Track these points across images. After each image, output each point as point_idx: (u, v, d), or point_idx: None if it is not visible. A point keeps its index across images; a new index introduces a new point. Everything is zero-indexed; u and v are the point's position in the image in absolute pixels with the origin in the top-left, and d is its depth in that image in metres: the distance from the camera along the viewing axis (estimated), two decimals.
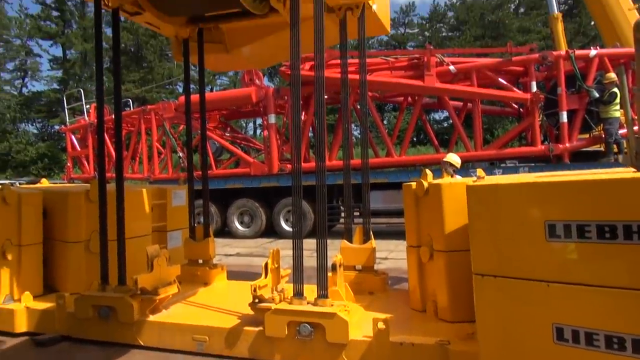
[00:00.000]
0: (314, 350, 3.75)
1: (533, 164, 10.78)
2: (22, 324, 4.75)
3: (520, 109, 11.81)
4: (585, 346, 2.61)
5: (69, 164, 15.51)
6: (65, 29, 43.28)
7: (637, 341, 2.45)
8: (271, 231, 12.48)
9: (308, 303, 3.88)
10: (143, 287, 4.34)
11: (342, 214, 11.92)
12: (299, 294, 3.92)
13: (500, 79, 10.94)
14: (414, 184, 4.37)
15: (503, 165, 11.28)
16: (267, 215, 12.44)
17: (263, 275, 4.10)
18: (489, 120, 29.40)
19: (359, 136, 14.24)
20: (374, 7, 5.31)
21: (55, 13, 43.23)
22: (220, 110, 13.56)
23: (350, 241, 5.19)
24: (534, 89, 10.41)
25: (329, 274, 4.02)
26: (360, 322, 3.91)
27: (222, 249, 10.74)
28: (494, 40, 39.37)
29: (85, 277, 5.14)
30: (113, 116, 15.25)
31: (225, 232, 12.76)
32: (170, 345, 4.22)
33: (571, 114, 10.35)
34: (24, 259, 5.05)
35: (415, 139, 32.63)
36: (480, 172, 3.42)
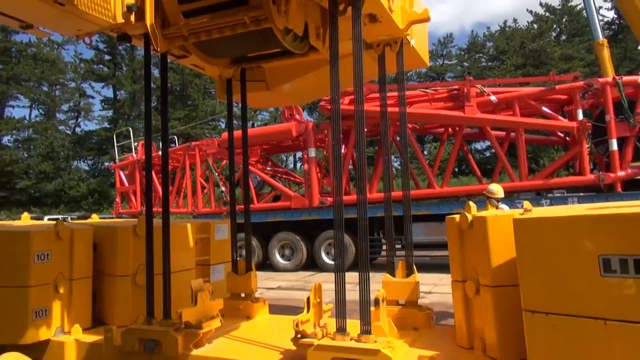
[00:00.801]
0: None
1: (582, 194, 10.39)
2: (71, 357, 4.87)
3: (567, 138, 11.50)
4: None
5: (117, 200, 16.11)
6: (116, 72, 45.72)
7: None
8: (312, 264, 12.46)
9: (351, 339, 3.81)
10: (187, 321, 4.38)
11: (384, 247, 11.79)
12: (341, 330, 3.86)
13: (544, 108, 10.73)
14: (457, 217, 4.28)
15: (550, 195, 10.93)
16: (308, 248, 12.46)
17: (305, 310, 4.07)
18: (534, 150, 28.73)
19: (399, 168, 14.15)
20: (412, 42, 5.38)
21: (107, 57, 45.84)
22: (262, 145, 13.85)
23: (393, 275, 5.10)
24: (581, 117, 10.15)
25: (372, 308, 3.96)
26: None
27: (264, 283, 10.77)
28: (535, 69, 38.78)
29: (132, 310, 5.26)
30: (160, 152, 15.76)
31: (266, 265, 12.82)
32: None
33: (621, 141, 9.98)
34: (75, 292, 5.21)
35: (457, 170, 32.23)
36: (527, 204, 3.33)
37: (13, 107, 55.30)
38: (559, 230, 2.82)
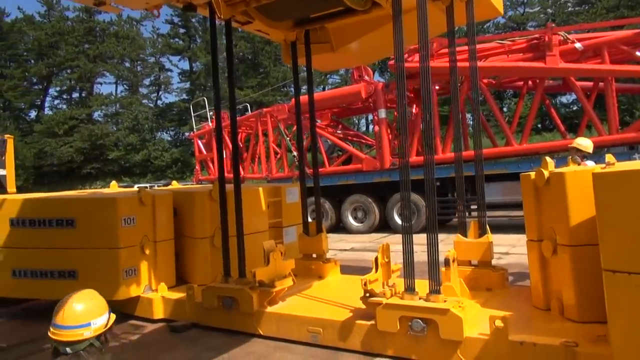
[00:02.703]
0: (427, 346, 3.67)
1: None
2: (159, 312, 5.29)
3: None
4: None
5: (197, 167, 16.88)
6: (191, 44, 47.15)
7: None
8: (385, 226, 12.44)
9: (420, 298, 3.80)
10: (261, 279, 4.58)
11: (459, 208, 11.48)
12: (410, 289, 3.85)
13: (638, 53, 9.68)
14: (533, 174, 4.07)
15: None
16: (380, 210, 12.43)
17: (374, 269, 4.11)
18: (629, 101, 26.32)
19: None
20: None
21: (181, 30, 47.32)
22: (332, 108, 13.80)
23: (465, 235, 4.98)
24: None
25: (442, 269, 3.92)
26: (477, 320, 3.73)
27: (337, 244, 10.94)
28: (630, 11, 34.95)
29: (211, 270, 5.57)
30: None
31: (340, 227, 12.97)
32: (286, 336, 4.41)
33: None
34: (159, 253, 5.61)
35: (540, 126, 30.29)
36: (609, 157, 3.09)
37: (101, 83, 59.23)
38: None
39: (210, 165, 16.00)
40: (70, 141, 42.87)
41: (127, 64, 50.35)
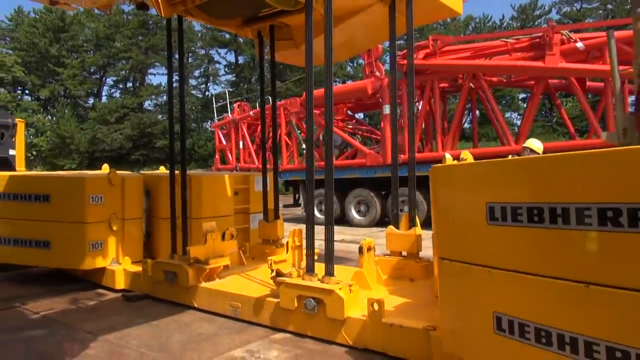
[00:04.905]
0: (318, 323, 3.99)
1: None
2: (120, 282, 5.85)
3: None
4: (518, 338, 2.43)
5: (216, 157, 17.63)
6: (237, 37, 48.31)
7: (561, 336, 2.22)
8: (386, 220, 12.62)
9: (318, 280, 4.11)
10: (195, 256, 5.02)
11: None
12: (310, 270, 4.17)
13: None
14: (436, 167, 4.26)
15: None
16: (382, 204, 12.61)
17: (284, 251, 4.44)
18: None
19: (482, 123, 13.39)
20: None
21: None
22: (340, 103, 14.05)
23: (397, 227, 5.22)
24: None
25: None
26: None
27: None
28: None
29: None
30: (251, 113, 16.48)
31: (343, 220, 13.24)
32: (214, 309, 4.83)
33: None
34: (127, 229, 6.17)
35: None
36: (464, 153, 3.29)
37: (154, 74, 61.63)
38: (459, 177, 2.81)
39: (229, 155, 16.68)
40: (121, 128, 45.20)
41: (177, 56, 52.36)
